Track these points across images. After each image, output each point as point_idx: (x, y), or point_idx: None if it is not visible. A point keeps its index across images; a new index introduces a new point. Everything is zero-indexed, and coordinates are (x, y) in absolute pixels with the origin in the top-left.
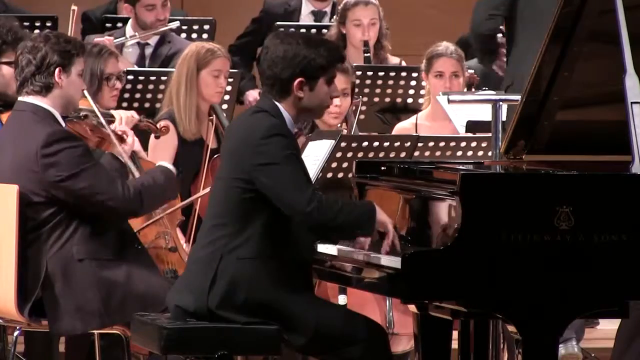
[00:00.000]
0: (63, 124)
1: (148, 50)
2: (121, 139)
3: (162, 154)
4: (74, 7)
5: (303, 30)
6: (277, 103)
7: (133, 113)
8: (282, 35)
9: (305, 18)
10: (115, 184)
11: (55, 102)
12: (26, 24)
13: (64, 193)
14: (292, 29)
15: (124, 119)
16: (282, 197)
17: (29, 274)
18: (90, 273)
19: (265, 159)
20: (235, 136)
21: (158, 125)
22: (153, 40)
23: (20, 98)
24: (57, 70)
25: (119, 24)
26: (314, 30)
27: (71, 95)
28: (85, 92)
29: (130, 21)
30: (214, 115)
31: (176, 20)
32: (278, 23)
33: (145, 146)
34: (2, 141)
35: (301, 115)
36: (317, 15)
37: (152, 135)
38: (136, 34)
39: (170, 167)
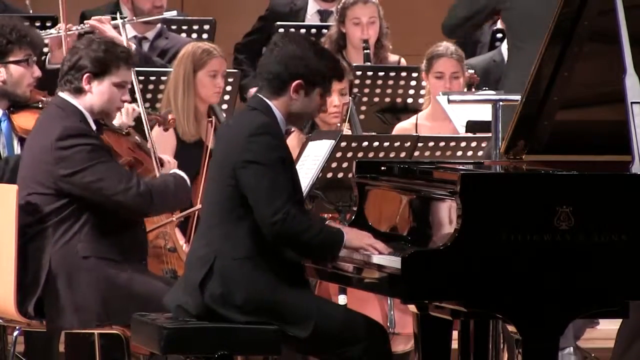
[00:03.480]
0: (93, 126)
1: (146, 45)
2: (161, 164)
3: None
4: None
5: (303, 30)
6: (269, 102)
7: (133, 105)
8: (293, 36)
9: (311, 18)
10: (126, 181)
11: (86, 105)
12: (26, 23)
13: (72, 187)
14: (293, 29)
15: (124, 112)
16: (253, 202)
17: (30, 268)
18: (93, 271)
19: (251, 157)
20: (227, 136)
21: (165, 118)
22: (150, 35)
23: (58, 92)
24: (85, 75)
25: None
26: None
27: (101, 104)
28: (142, 112)
29: (126, 13)
30: (213, 116)
31: (173, 10)
32: (278, 23)
33: None
34: (31, 134)
35: (289, 119)
36: (323, 14)
37: (154, 133)
38: (134, 18)
39: (182, 174)
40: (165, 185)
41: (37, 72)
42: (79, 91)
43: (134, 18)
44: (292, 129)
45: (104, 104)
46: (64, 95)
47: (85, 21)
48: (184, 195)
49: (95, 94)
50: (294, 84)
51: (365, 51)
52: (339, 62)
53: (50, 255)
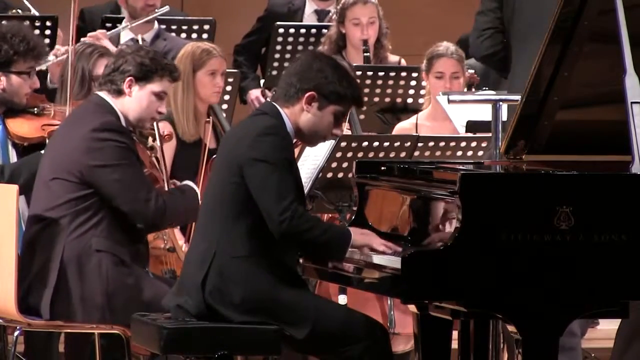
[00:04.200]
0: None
1: None
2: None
3: None
4: None
5: (302, 30)
6: (280, 109)
7: None
8: (318, 53)
9: (309, 17)
10: (147, 191)
11: (123, 108)
12: (26, 23)
13: (97, 179)
14: (292, 29)
15: None
16: (261, 199)
17: (38, 258)
18: (103, 267)
19: (258, 155)
20: (234, 136)
21: (161, 132)
22: (148, 37)
23: (96, 91)
24: (128, 78)
25: (119, 25)
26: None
27: (139, 110)
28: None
29: (125, 16)
30: (212, 116)
31: (165, 6)
32: (278, 23)
33: None
34: (62, 125)
35: (298, 134)
36: (321, 14)
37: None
38: (128, 23)
39: (195, 187)
40: (178, 202)
41: (37, 84)
42: (118, 93)
43: (129, 23)
44: (299, 143)
45: (141, 111)
46: (103, 94)
47: (82, 39)
48: (194, 212)
49: (133, 99)
50: (307, 94)
51: (365, 54)
52: (360, 89)
53: (65, 243)
